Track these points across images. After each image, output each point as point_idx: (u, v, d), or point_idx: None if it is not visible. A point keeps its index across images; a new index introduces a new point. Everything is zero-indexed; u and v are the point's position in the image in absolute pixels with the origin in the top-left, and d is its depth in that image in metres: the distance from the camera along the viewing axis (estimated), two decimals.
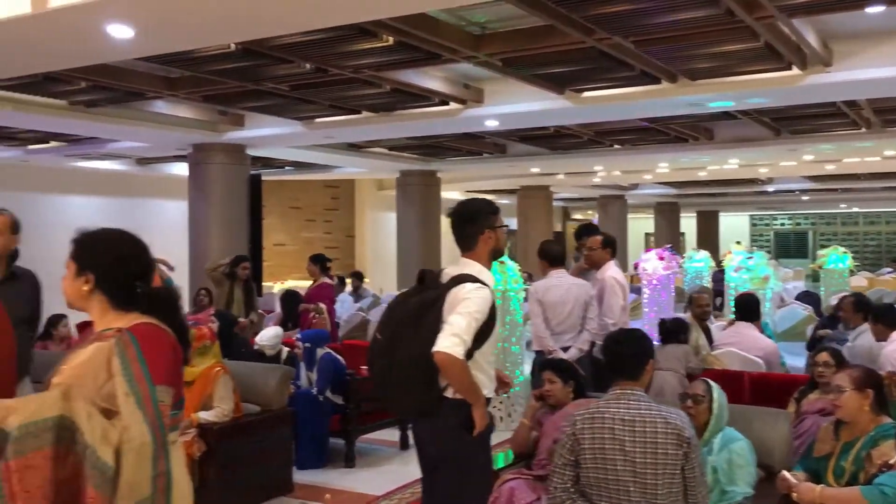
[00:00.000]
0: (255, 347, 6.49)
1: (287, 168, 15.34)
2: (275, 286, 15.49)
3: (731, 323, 6.66)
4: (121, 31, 5.25)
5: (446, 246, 16.36)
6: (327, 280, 8.82)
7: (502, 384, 3.42)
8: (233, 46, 6.46)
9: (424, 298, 3.18)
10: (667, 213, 26.21)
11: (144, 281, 2.23)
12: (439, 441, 3.21)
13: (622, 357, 3.14)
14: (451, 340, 2.98)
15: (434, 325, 3.06)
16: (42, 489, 1.86)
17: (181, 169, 13.15)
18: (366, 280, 14.30)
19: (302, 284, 12.35)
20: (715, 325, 7.32)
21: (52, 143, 11.81)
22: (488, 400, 3.21)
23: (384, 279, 16.99)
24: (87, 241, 2.23)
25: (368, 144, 12.70)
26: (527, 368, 7.02)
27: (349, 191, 18.89)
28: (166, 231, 12.08)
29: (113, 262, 2.19)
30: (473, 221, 3.28)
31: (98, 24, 5.11)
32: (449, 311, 3.06)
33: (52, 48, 5.76)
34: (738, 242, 10.94)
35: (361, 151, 13.05)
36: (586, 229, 6.38)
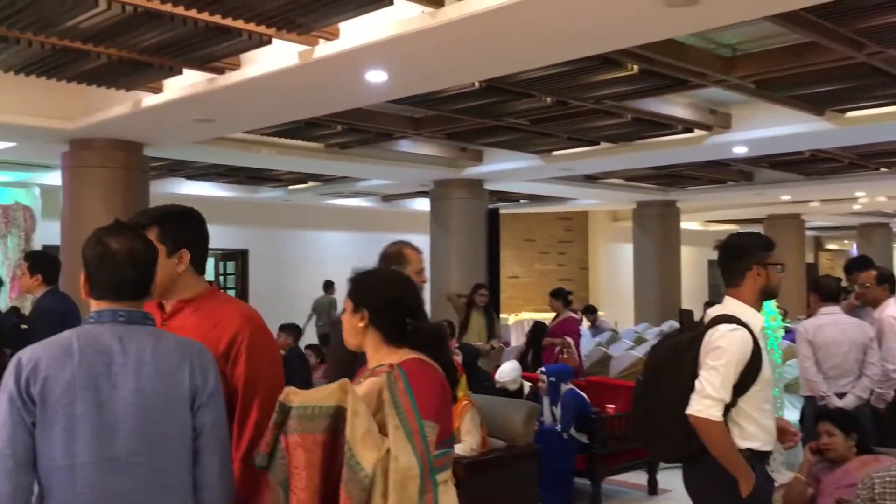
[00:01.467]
0: (497, 385, 6.49)
1: (522, 201, 15.51)
2: (510, 318, 15.62)
3: None
4: (377, 76, 5.54)
5: (686, 278, 15.67)
6: (572, 314, 8.66)
7: (785, 434, 3.09)
8: (476, 84, 6.62)
9: (680, 341, 3.05)
10: None
11: (414, 317, 2.27)
12: (703, 494, 3.00)
13: None
14: (702, 404, 2.80)
15: (690, 370, 2.90)
16: (307, 471, 1.93)
17: (422, 204, 13.72)
18: (600, 313, 14.00)
19: (537, 317, 12.30)
20: None
21: (310, 183, 12.83)
22: (767, 453, 2.92)
23: (619, 312, 16.56)
24: (362, 280, 2.34)
25: (605, 175, 12.51)
26: (788, 413, 6.45)
27: (583, 222, 18.71)
28: None
29: (385, 299, 2.28)
30: (741, 257, 3.04)
31: (358, 71, 5.43)
32: (704, 357, 2.88)
33: (316, 95, 6.21)
34: None
35: (598, 183, 12.89)
36: (858, 263, 5.73)
